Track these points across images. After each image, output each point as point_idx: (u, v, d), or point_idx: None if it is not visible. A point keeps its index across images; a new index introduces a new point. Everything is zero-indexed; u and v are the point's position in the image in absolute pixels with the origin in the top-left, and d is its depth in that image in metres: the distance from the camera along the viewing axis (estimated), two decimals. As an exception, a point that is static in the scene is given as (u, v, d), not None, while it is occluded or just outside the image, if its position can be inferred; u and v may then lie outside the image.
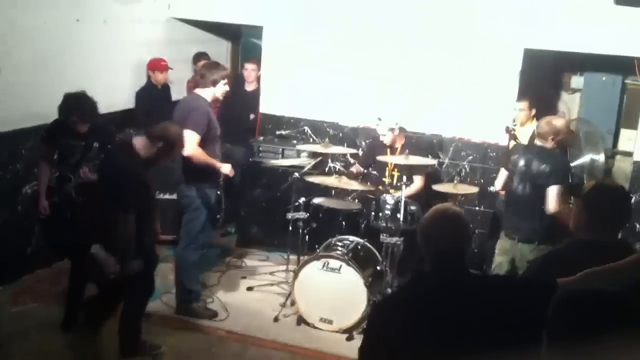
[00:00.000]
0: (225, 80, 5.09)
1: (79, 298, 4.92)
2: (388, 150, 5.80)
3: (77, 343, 4.66)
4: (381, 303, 2.53)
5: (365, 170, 6.16)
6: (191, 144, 4.82)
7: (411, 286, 2.47)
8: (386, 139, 5.75)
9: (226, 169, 5.11)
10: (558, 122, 4.84)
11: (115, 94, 6.56)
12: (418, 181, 5.76)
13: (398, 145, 5.80)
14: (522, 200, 4.77)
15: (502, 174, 5.09)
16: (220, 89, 5.08)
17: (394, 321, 2.30)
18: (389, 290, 5.14)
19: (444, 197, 5.60)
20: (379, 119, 5.76)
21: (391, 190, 5.64)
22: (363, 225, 5.67)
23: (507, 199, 5.07)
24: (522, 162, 4.79)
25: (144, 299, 4.51)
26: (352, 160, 6.56)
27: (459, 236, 2.40)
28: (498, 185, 5.19)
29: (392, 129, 5.68)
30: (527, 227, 4.71)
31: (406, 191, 5.28)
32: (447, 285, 2.31)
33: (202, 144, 4.90)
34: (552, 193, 4.58)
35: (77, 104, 4.77)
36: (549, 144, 4.73)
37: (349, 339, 4.96)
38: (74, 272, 4.93)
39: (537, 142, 4.82)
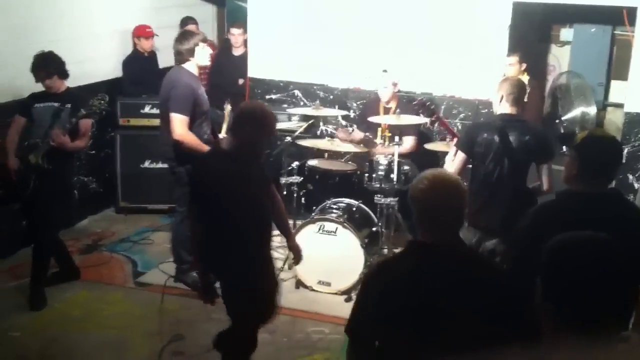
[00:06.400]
0: (202, 45, 4.83)
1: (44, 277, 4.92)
2: (382, 109, 5.73)
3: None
4: (375, 270, 2.45)
5: (370, 136, 5.71)
6: (179, 127, 4.64)
7: (406, 256, 2.35)
8: (385, 93, 5.67)
9: None
10: (522, 80, 4.32)
11: (101, 63, 6.46)
12: (409, 141, 5.70)
13: (393, 104, 5.75)
14: (499, 184, 4.02)
15: (459, 157, 4.12)
16: (201, 56, 4.84)
17: (389, 289, 2.24)
18: (385, 251, 5.18)
19: (436, 155, 5.55)
20: (384, 71, 5.69)
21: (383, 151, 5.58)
22: (357, 187, 5.64)
23: (477, 186, 4.10)
24: (496, 139, 3.99)
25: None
26: (344, 122, 6.51)
27: (457, 207, 2.30)
28: (450, 169, 4.10)
29: (394, 83, 5.64)
30: (499, 215, 3.95)
31: (397, 151, 5.22)
32: (444, 257, 2.24)
33: (190, 121, 4.71)
34: (547, 172, 4.01)
35: (46, 59, 4.73)
36: (519, 111, 4.06)
37: (347, 300, 5.00)
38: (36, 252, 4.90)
39: (506, 110, 4.05)
